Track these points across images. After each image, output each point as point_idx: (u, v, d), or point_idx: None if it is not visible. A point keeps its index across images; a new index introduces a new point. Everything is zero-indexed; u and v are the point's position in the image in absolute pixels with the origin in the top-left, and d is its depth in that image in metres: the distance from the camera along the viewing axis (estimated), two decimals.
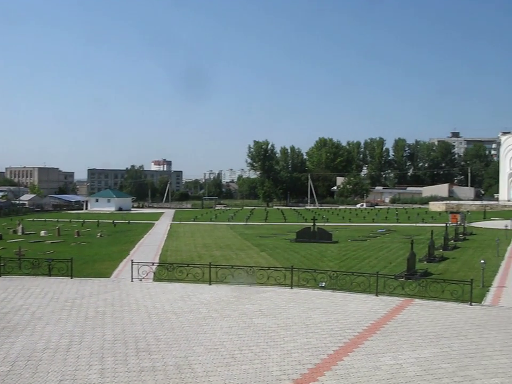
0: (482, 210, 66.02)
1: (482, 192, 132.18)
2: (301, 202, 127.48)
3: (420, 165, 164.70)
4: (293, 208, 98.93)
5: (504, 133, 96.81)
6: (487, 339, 11.65)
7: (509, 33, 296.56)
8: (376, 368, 9.69)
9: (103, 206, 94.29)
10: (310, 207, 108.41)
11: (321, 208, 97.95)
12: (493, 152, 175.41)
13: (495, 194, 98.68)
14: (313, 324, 12.91)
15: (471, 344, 11.23)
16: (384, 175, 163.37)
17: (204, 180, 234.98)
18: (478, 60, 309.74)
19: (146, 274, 19.40)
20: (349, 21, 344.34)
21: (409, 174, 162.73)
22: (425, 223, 50.85)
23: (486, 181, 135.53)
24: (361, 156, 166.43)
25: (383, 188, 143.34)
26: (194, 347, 10.98)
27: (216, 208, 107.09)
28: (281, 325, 12.76)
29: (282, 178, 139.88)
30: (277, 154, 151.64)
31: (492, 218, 55.23)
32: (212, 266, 18.95)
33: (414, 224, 49.90)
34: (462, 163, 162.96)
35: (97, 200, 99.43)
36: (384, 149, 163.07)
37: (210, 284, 18.37)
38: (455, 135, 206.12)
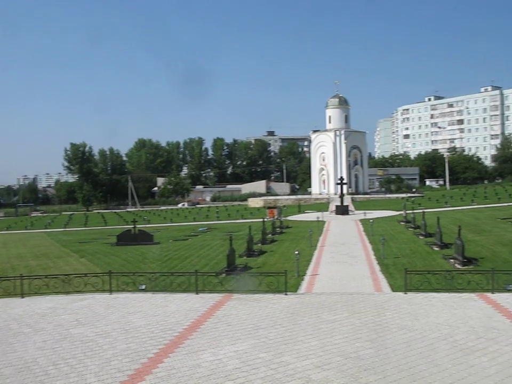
0: (297, 204, 69.83)
1: (297, 187, 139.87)
2: (122, 205, 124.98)
3: (239, 163, 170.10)
4: (113, 211, 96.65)
5: (315, 131, 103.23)
6: (300, 325, 12.28)
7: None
8: (196, 366, 9.72)
9: None
10: (131, 209, 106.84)
11: (142, 210, 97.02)
12: (305, 149, 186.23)
13: (308, 189, 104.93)
14: (133, 328, 12.62)
15: (286, 332, 11.76)
16: (204, 174, 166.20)
17: (17, 186, 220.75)
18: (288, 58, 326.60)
19: None
20: None
21: (228, 172, 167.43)
22: (245, 219, 52.51)
23: (300, 176, 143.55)
24: (181, 156, 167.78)
25: (204, 187, 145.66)
26: (2, 369, 10.07)
27: (32, 215, 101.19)
28: (99, 333, 12.30)
29: (101, 181, 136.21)
30: (95, 157, 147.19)
31: (305, 211, 58.60)
32: (23, 278, 17.74)
33: (234, 221, 51.39)
34: (278, 160, 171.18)
35: None
36: (203, 148, 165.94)
37: (22, 297, 17.19)
38: (271, 133, 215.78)
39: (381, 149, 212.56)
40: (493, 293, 14.93)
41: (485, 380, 8.67)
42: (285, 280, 15.82)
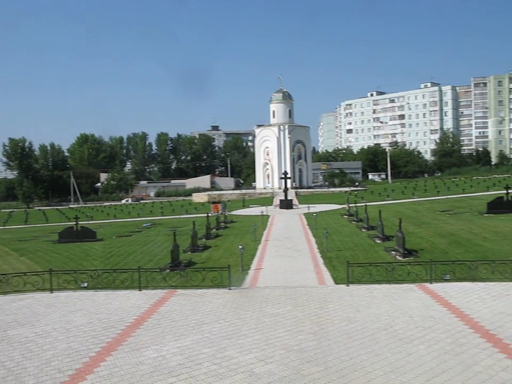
0: (241, 198, 69.96)
1: (242, 181, 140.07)
2: (64, 202, 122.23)
3: (183, 158, 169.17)
4: (55, 208, 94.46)
5: (259, 126, 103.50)
6: (243, 319, 12.34)
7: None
8: (139, 363, 9.63)
9: None
10: (74, 205, 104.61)
11: (85, 206, 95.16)
12: (249, 144, 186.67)
13: (253, 183, 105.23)
14: (74, 327, 12.38)
15: (229, 326, 11.79)
16: (148, 169, 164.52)
17: None
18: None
19: None
20: None
21: (173, 167, 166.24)
22: (189, 214, 52.21)
23: (244, 171, 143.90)
24: (124, 151, 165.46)
25: (148, 182, 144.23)
26: None
27: None
28: (39, 333, 12.00)
29: (42, 177, 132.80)
30: (35, 152, 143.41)
31: (250, 205, 58.77)
32: None
33: (178, 216, 51.05)
34: (222, 155, 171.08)
35: None
36: (147, 143, 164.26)
37: None
38: (215, 128, 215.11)
39: (324, 143, 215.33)
40: (431, 283, 15.38)
41: (421, 367, 8.95)
42: (229, 275, 15.84)
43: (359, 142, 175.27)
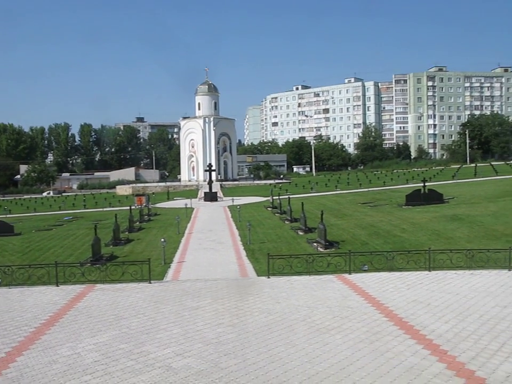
0: (166, 191, 69.25)
1: (167, 174, 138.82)
2: None
3: (107, 149, 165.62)
4: None
5: (184, 118, 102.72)
6: (163, 313, 12.19)
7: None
8: (52, 362, 9.30)
9: None
10: None
11: (3, 199, 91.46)
12: (175, 136, 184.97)
13: (178, 176, 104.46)
14: None
15: (148, 321, 11.62)
16: (71, 161, 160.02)
17: None
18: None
19: None
20: None
21: (96, 159, 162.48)
22: (113, 207, 51.18)
23: (170, 163, 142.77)
24: (46, 142, 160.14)
25: (71, 174, 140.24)
26: None
27: None
28: None
29: None
30: None
31: (174, 198, 58.29)
32: None
33: (101, 209, 49.95)
34: (147, 147, 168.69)
35: None
36: (70, 134, 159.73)
37: None
38: (140, 120, 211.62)
39: (250, 136, 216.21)
40: (350, 274, 15.74)
41: (337, 356, 9.12)
42: (149, 269, 15.62)
43: (284, 135, 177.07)
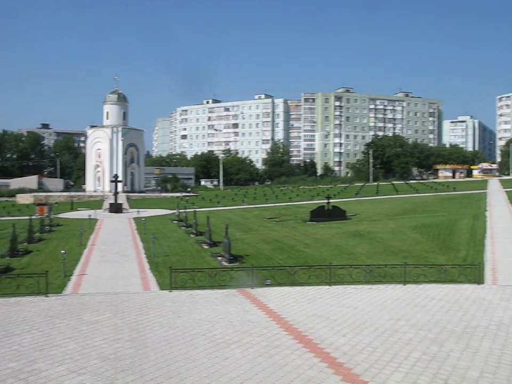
0: (70, 201, 67.04)
1: (72, 183, 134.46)
2: None
3: (8, 155, 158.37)
4: None
5: (92, 126, 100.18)
6: (58, 328, 11.71)
7: None
8: None
9: None
10: None
11: None
12: (81, 144, 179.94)
13: (83, 185, 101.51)
14: None
15: (42, 337, 11.10)
16: None
17: None
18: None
19: None
20: None
21: None
22: (12, 216, 48.93)
23: (75, 173, 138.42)
24: None
25: None
26: None
27: None
28: None
29: None
30: None
31: (78, 208, 56.56)
32: None
33: None
34: (52, 155, 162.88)
35: None
36: None
37: None
38: (45, 126, 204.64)
39: (159, 148, 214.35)
40: (253, 288, 15.82)
41: (236, 370, 9.12)
42: (46, 281, 14.99)
43: (193, 148, 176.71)
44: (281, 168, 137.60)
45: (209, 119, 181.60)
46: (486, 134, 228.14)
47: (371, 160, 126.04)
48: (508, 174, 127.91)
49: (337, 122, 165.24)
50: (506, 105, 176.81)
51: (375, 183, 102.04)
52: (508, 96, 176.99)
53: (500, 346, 10.47)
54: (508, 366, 9.39)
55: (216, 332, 11.40)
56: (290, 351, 10.13)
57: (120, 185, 56.96)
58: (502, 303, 14.02)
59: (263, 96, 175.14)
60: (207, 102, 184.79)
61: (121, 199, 59.19)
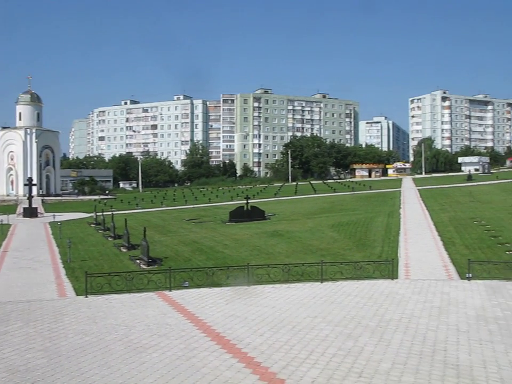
0: None
1: None
2: None
3: None
4: None
5: (3, 128, 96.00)
6: None
7: None
8: None
9: None
10: None
11: None
12: None
13: None
14: None
15: None
16: None
17: None
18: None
19: None
20: None
21: None
22: None
23: None
24: None
25: None
26: None
27: None
28: None
29: None
30: None
31: None
32: None
33: None
34: None
35: None
36: None
37: None
38: None
39: (75, 150, 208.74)
40: (171, 291, 15.68)
41: (153, 375, 9.02)
42: None
43: (111, 150, 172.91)
44: (201, 169, 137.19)
45: (127, 120, 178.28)
46: (399, 135, 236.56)
47: (290, 161, 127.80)
48: (420, 173, 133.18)
49: (256, 123, 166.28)
50: (418, 107, 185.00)
51: (294, 183, 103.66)
52: (419, 99, 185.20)
53: (411, 338, 10.90)
54: (417, 356, 9.80)
55: (133, 337, 11.22)
56: (208, 352, 10.12)
57: (34, 189, 55.15)
58: (413, 297, 14.56)
59: (181, 97, 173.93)
60: (125, 103, 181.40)
61: (36, 203, 57.25)
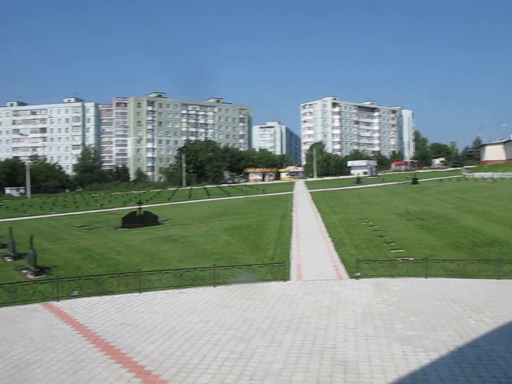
0: None
1: None
2: None
3: None
4: None
5: None
6: None
7: None
8: None
9: None
10: None
11: None
12: None
13: None
14: None
15: None
16: None
17: None
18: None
19: None
20: None
21: None
22: None
23: None
24: None
25: None
26: None
27: None
28: None
29: None
30: None
31: None
32: None
33: None
34: None
35: None
36: None
37: None
38: None
39: None
40: (58, 301, 15.04)
41: None
42: None
43: None
44: (93, 174, 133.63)
45: (13, 122, 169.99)
46: (292, 139, 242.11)
47: (184, 165, 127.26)
48: (312, 176, 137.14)
49: (149, 127, 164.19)
50: (309, 112, 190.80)
51: (188, 188, 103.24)
52: (310, 104, 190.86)
53: (301, 338, 11.08)
54: (307, 355, 9.97)
55: (14, 353, 10.57)
56: (97, 364, 9.75)
57: None
58: (304, 297, 14.86)
59: (73, 99, 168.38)
60: (11, 105, 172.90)
61: None
